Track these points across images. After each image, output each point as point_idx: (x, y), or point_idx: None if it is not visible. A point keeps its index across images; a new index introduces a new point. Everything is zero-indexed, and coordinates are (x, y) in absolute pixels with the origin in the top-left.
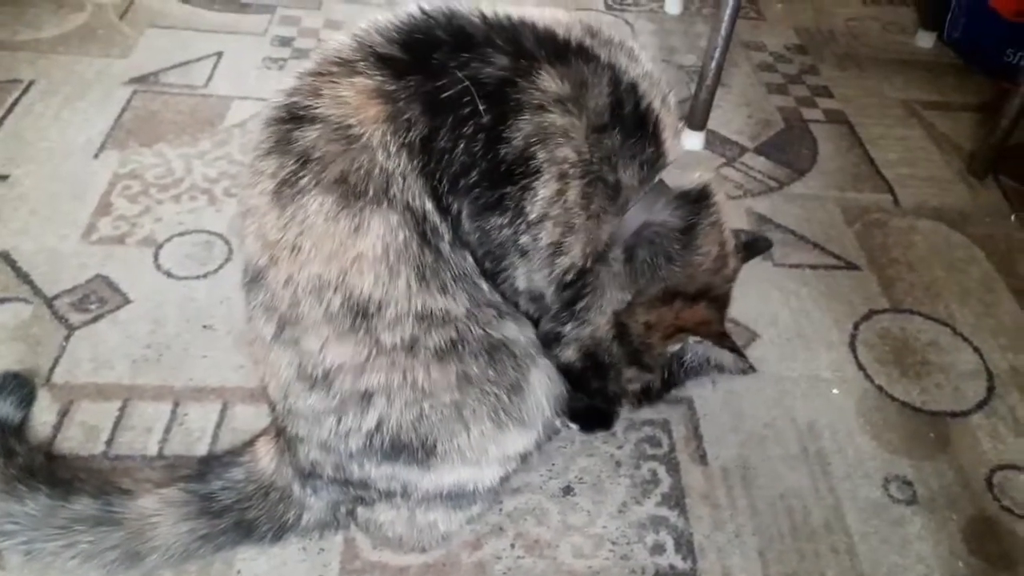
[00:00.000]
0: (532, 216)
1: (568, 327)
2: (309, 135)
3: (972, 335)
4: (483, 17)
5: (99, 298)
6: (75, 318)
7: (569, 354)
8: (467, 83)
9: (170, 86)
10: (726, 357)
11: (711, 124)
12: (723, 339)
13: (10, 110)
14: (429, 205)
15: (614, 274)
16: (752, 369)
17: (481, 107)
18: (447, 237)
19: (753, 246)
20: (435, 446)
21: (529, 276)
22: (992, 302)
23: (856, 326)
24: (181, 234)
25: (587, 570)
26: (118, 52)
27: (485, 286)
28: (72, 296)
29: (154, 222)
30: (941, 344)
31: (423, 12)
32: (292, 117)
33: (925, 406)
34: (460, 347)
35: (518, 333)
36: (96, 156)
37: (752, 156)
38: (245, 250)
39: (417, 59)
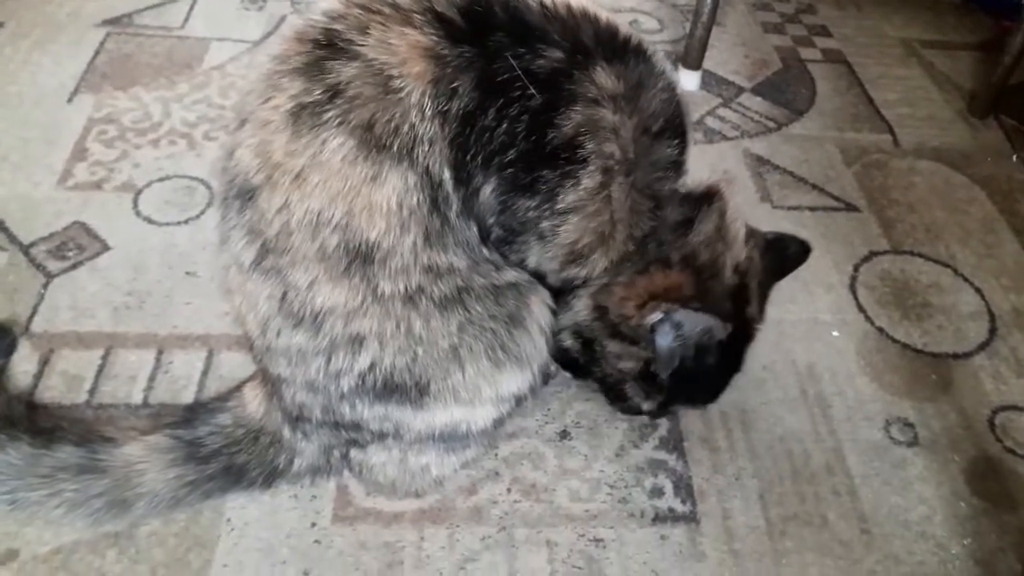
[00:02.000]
0: (560, 205)
1: (558, 315)
2: (346, 71)
3: (973, 276)
4: (542, 5)
5: (77, 245)
6: (53, 266)
7: (563, 337)
8: (520, 73)
9: (145, 28)
10: (704, 321)
11: (707, 64)
12: (690, 302)
13: None
14: (446, 174)
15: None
16: (730, 327)
17: (533, 91)
18: (455, 207)
19: (778, 245)
20: (428, 385)
21: (540, 260)
22: (993, 243)
23: (856, 268)
24: (161, 179)
25: (584, 513)
26: None
27: (485, 251)
28: (49, 243)
29: (132, 167)
30: (942, 285)
31: None
32: (330, 44)
33: (926, 348)
34: (466, 294)
35: (518, 276)
36: (69, 100)
37: (749, 96)
38: (235, 161)
39: (475, 32)
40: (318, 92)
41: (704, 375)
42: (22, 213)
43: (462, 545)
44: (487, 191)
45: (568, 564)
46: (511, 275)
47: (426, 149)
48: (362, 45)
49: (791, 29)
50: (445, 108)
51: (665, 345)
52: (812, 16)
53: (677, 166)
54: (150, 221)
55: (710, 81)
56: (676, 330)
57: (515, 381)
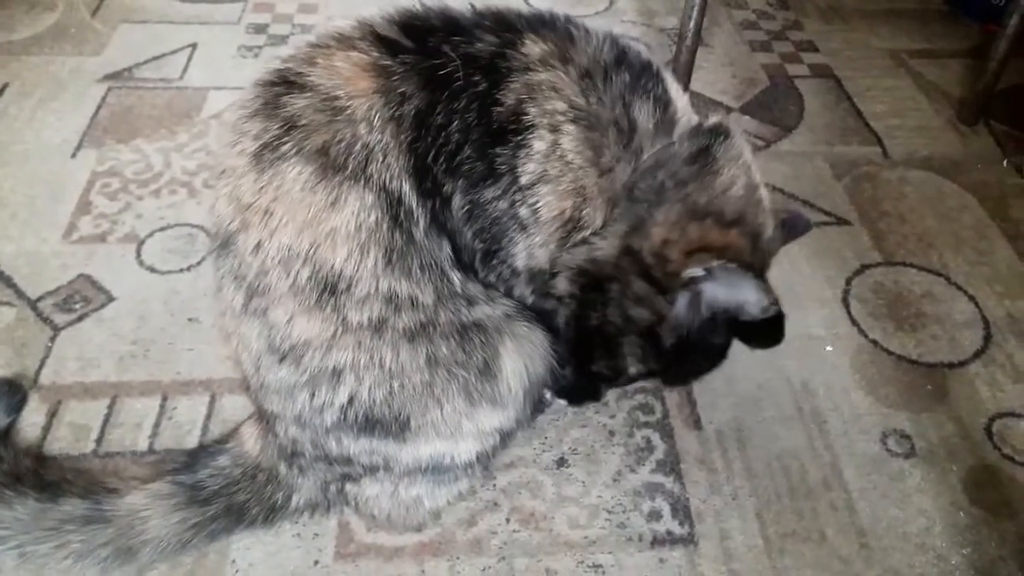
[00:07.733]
0: (524, 179)
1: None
2: (298, 103)
3: (967, 284)
4: (473, 8)
5: (83, 297)
6: (60, 318)
7: (557, 283)
8: (458, 61)
9: (145, 80)
10: (748, 292)
11: (695, 85)
12: (750, 268)
13: None
14: (406, 187)
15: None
16: (776, 306)
17: (476, 77)
18: (422, 223)
19: (792, 225)
20: (408, 421)
21: (530, 252)
22: (986, 249)
23: (848, 281)
24: (163, 228)
25: (583, 540)
26: (91, 49)
27: (456, 278)
28: (56, 297)
29: (135, 218)
30: (936, 295)
31: (422, 5)
32: (283, 81)
33: (921, 358)
34: (430, 329)
35: (491, 311)
36: (73, 155)
37: (737, 116)
38: (216, 213)
39: (415, 42)
40: (275, 128)
41: (706, 351)
42: (29, 268)
43: None
44: (457, 199)
45: None
46: (482, 311)
47: (380, 162)
48: (310, 75)
49: (778, 46)
50: (397, 113)
51: (696, 306)
52: (799, 32)
53: (664, 97)
54: (153, 270)
55: (698, 103)
56: (713, 293)
57: (496, 418)
